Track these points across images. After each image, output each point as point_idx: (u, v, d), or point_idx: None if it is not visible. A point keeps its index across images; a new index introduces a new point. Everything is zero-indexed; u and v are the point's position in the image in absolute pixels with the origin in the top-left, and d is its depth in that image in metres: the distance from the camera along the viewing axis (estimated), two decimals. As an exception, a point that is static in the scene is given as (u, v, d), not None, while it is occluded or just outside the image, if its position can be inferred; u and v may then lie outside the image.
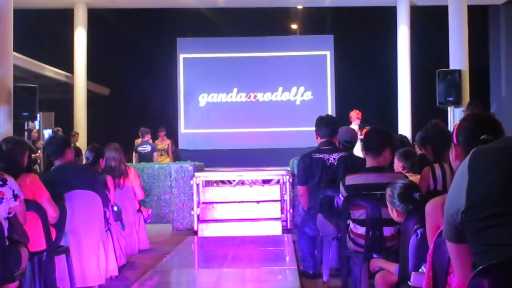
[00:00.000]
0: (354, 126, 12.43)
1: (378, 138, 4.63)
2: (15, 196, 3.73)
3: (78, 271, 5.23)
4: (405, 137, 7.18)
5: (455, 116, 11.06)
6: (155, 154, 13.05)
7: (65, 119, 16.25)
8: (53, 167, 5.49)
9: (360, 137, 11.67)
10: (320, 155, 5.68)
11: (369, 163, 4.57)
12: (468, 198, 1.89)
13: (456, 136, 2.40)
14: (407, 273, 3.21)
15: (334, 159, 5.65)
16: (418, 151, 6.10)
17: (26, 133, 11.86)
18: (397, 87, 14.21)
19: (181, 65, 14.55)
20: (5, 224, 3.67)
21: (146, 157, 12.85)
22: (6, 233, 3.65)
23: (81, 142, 14.81)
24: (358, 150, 8.03)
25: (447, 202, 2.04)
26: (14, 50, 11.43)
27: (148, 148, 12.92)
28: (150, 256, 7.22)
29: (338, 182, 5.09)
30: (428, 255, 2.47)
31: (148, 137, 13.16)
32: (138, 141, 14.15)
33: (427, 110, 12.71)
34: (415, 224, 3.23)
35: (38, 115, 13.06)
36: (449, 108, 11.29)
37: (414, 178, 5.05)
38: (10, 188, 3.71)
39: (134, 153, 14.20)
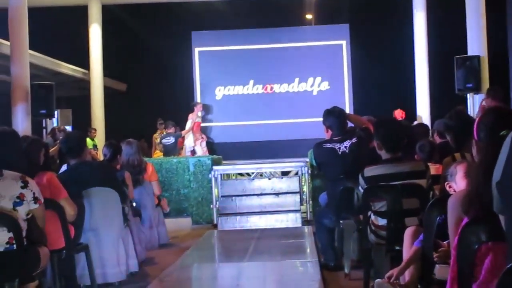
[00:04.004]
0: None
1: (395, 131, 4.55)
2: (35, 199, 3.71)
3: (98, 268, 5.23)
4: (423, 126, 7.10)
5: (474, 102, 10.90)
6: (179, 140, 12.99)
7: (82, 115, 16.30)
8: (71, 165, 5.48)
9: None
10: (331, 145, 5.63)
11: (386, 155, 4.48)
12: (504, 171, 1.98)
13: (477, 132, 2.38)
14: (431, 246, 3.18)
15: (345, 147, 5.58)
16: (438, 139, 6.03)
17: (44, 130, 11.89)
18: (415, 75, 14.05)
19: (197, 58, 14.50)
20: (24, 226, 3.66)
21: (170, 149, 12.83)
22: (24, 234, 3.63)
23: (99, 138, 14.88)
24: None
25: (493, 174, 2.07)
26: (30, 48, 11.48)
27: (171, 139, 12.89)
28: (170, 251, 7.22)
29: (352, 169, 5.04)
30: (453, 248, 2.42)
31: (172, 129, 13.13)
32: (156, 135, 14.16)
33: (445, 98, 12.56)
34: (438, 215, 3.17)
35: (56, 112, 13.11)
36: (468, 94, 11.13)
37: (434, 167, 4.98)
38: (31, 191, 3.69)
39: (153, 147, 14.22)
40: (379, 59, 16.08)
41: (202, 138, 13.40)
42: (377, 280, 3.56)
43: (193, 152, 13.05)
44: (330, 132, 5.78)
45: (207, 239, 8.02)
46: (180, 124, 13.55)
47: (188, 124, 13.07)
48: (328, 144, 5.67)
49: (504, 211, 2.02)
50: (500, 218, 2.08)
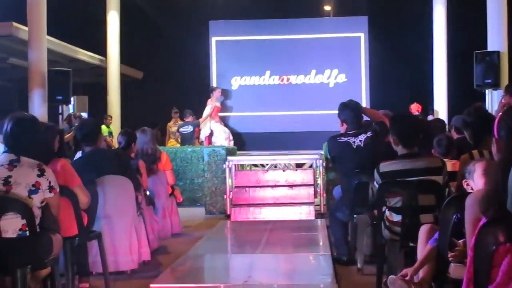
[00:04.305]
0: None
1: (411, 126, 4.49)
2: (51, 188, 3.72)
3: (110, 256, 5.24)
4: (440, 121, 7.03)
5: (493, 98, 10.79)
6: (196, 130, 12.93)
7: (98, 102, 16.35)
8: (85, 152, 5.49)
9: None
10: (346, 139, 5.59)
11: (403, 150, 4.42)
12: None
13: (497, 130, 2.32)
14: (446, 245, 3.15)
15: (360, 141, 5.54)
16: (455, 135, 5.96)
17: (60, 117, 11.94)
18: (433, 69, 13.91)
19: (213, 48, 14.42)
20: (38, 213, 3.66)
21: (187, 137, 12.81)
22: (38, 221, 3.63)
23: (115, 125, 14.91)
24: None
25: (510, 173, 2.01)
26: (48, 34, 11.50)
27: (190, 128, 12.86)
28: (183, 240, 7.21)
29: (367, 163, 5.00)
30: (469, 249, 2.37)
31: (190, 118, 13.09)
32: (171, 124, 14.15)
33: (464, 93, 12.45)
34: (454, 213, 3.12)
35: (72, 98, 13.15)
36: (487, 90, 11.01)
37: (451, 163, 4.93)
38: (47, 180, 3.70)
39: (167, 136, 14.20)
40: (397, 53, 15.95)
41: (222, 122, 13.29)
42: (391, 276, 3.52)
43: (210, 138, 12.88)
44: (345, 125, 5.74)
45: (219, 229, 8.00)
46: (196, 114, 13.52)
47: (207, 110, 12.91)
48: (343, 138, 5.63)
49: None
50: None
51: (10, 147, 3.73)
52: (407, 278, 3.38)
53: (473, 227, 2.45)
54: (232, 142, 12.61)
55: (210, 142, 12.65)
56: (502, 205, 2.19)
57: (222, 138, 12.68)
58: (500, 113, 2.44)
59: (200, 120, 12.88)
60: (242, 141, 13.50)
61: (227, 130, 13.07)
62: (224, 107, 13.75)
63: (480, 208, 2.33)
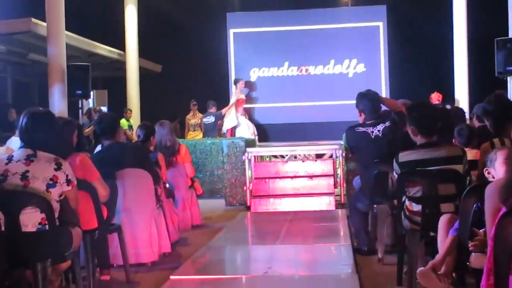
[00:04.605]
0: None
1: (429, 115, 4.43)
2: (68, 181, 3.74)
3: (131, 248, 5.27)
4: (460, 110, 6.95)
5: (515, 86, 10.66)
6: (219, 122, 12.93)
7: (118, 96, 16.42)
8: (104, 146, 5.52)
9: None
10: (364, 129, 5.56)
11: (422, 139, 4.37)
12: None
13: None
14: (467, 234, 3.13)
15: (378, 130, 5.50)
16: (477, 123, 5.89)
17: (80, 111, 12.02)
18: (453, 57, 13.75)
19: (231, 40, 14.42)
20: (57, 206, 3.68)
21: (210, 128, 12.83)
22: (57, 215, 3.66)
23: (134, 118, 14.99)
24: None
25: None
26: (67, 29, 11.55)
27: (212, 118, 12.88)
28: (203, 232, 7.24)
29: (386, 153, 4.96)
30: (490, 239, 2.34)
31: (214, 109, 13.09)
32: (189, 116, 14.16)
33: (485, 81, 12.29)
34: (474, 202, 3.09)
35: (92, 93, 13.23)
36: (509, 78, 10.88)
37: (472, 152, 4.87)
38: (65, 173, 3.72)
39: (187, 128, 14.22)
40: (416, 41, 15.81)
41: (246, 116, 13.25)
42: (421, 268, 3.49)
43: (232, 130, 12.84)
44: (363, 115, 5.70)
45: (239, 221, 8.01)
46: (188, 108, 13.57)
47: (231, 101, 12.88)
48: (361, 128, 5.59)
49: None
50: None
51: (26, 141, 3.75)
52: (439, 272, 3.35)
53: (493, 217, 2.41)
54: (257, 138, 12.52)
55: (232, 135, 12.59)
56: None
57: (247, 132, 12.54)
58: None
59: (223, 110, 12.84)
60: (262, 133, 13.48)
61: (251, 124, 12.95)
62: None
63: (500, 197, 2.29)
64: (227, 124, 12.78)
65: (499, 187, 2.33)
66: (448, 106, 9.82)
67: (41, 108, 4.04)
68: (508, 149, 3.55)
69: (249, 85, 13.86)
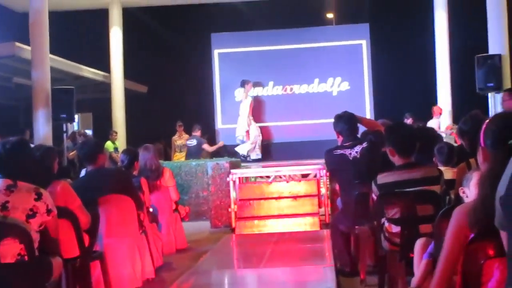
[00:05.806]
0: (435, 120, 12.40)
1: (407, 136, 4.49)
2: (49, 211, 3.74)
3: (114, 275, 5.24)
4: (432, 130, 7.04)
5: (496, 102, 10.76)
6: (204, 146, 13.01)
7: (103, 118, 16.42)
8: (86, 172, 5.52)
9: (446, 131, 11.86)
10: (342, 151, 5.59)
11: (399, 161, 4.42)
12: (508, 186, 1.86)
13: (483, 139, 2.27)
14: None
15: (356, 152, 5.54)
16: (459, 141, 5.94)
17: (65, 135, 12.00)
18: (436, 74, 13.91)
19: (216, 60, 14.47)
20: (36, 237, 3.68)
21: (192, 151, 12.88)
22: (36, 245, 3.65)
23: (120, 140, 14.96)
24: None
25: (498, 187, 1.96)
26: (51, 52, 11.59)
27: (194, 142, 12.95)
28: (188, 255, 7.22)
29: (366, 174, 5.00)
30: (459, 264, 2.36)
31: (199, 132, 13.18)
32: (175, 137, 14.18)
33: (467, 97, 12.43)
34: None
35: (76, 116, 13.22)
36: (489, 94, 10.99)
37: (451, 171, 4.92)
38: (45, 203, 3.72)
39: (173, 150, 14.24)
40: (399, 59, 15.98)
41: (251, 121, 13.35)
42: None
43: (248, 132, 12.93)
44: (341, 137, 5.74)
45: (224, 244, 7.99)
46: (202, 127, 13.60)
47: (245, 107, 12.92)
48: (339, 151, 5.63)
49: (505, 227, 1.95)
50: (501, 234, 2.01)
51: (4, 172, 3.75)
52: None
53: (455, 239, 2.42)
54: (260, 138, 12.97)
55: (249, 138, 12.92)
56: (491, 218, 2.16)
57: (256, 132, 13.04)
58: (487, 121, 2.37)
59: (239, 119, 12.97)
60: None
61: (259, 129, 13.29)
62: (228, 119, 13.77)
63: (468, 222, 2.30)
64: (240, 129, 12.98)
65: (468, 211, 2.32)
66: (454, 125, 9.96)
67: (14, 138, 3.99)
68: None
69: (231, 105, 13.88)
